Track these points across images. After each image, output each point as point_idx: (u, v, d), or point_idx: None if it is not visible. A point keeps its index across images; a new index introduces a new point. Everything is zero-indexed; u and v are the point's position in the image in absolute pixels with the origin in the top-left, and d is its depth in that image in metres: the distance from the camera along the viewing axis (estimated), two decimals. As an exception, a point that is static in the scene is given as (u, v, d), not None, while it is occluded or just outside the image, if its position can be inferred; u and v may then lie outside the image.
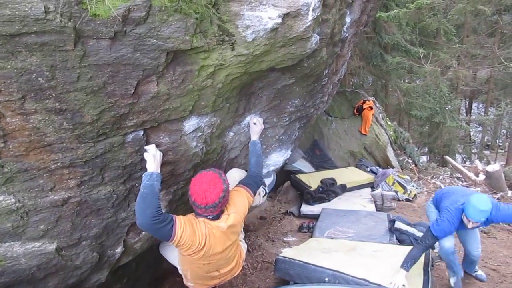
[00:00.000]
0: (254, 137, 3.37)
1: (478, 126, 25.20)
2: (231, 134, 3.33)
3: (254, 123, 3.35)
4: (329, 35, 3.05)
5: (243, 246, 3.42)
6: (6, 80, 1.91)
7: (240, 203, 2.93)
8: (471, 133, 23.27)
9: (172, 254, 3.28)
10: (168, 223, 2.56)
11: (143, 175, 2.59)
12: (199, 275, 3.03)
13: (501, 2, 13.15)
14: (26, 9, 1.77)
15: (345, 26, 3.41)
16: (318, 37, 2.81)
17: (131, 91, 2.25)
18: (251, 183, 3.11)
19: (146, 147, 2.59)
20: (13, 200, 2.32)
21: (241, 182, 3.10)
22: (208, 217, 2.74)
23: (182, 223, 2.63)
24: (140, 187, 2.56)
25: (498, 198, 8.72)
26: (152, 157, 2.58)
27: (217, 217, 2.77)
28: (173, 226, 2.57)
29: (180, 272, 3.22)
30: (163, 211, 2.61)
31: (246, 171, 3.39)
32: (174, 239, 2.59)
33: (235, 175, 3.36)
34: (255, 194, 3.15)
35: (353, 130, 10.45)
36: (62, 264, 2.75)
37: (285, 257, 4.71)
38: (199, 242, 2.68)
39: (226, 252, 2.95)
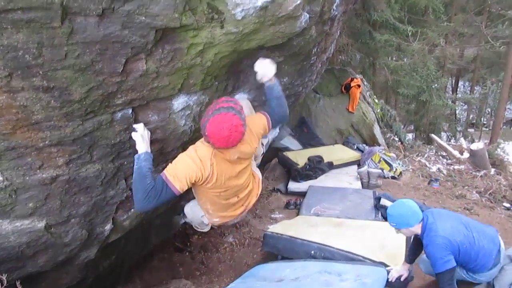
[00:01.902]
0: (268, 78, 2.95)
1: (463, 104, 25.44)
2: (220, 112, 3.33)
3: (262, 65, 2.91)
4: (319, 14, 3.03)
5: (258, 172, 3.38)
6: (-9, 57, 1.88)
7: (255, 128, 2.86)
8: (457, 111, 23.49)
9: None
10: (162, 189, 2.50)
11: (135, 157, 2.57)
12: (220, 204, 3.00)
13: (489, -20, 13.16)
14: (12, -15, 1.74)
15: (335, 5, 3.38)
16: (307, 15, 2.80)
17: (120, 69, 2.23)
18: (273, 117, 2.96)
19: (134, 126, 2.58)
20: (1, 178, 2.32)
21: (266, 111, 2.98)
22: None
23: (175, 171, 2.55)
24: None
25: (481, 176, 8.89)
26: (140, 137, 2.57)
27: None
28: (167, 184, 2.51)
29: (202, 212, 3.21)
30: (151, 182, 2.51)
31: None
32: (179, 190, 2.55)
33: (245, 104, 3.19)
34: (273, 129, 3.13)
35: (341, 108, 10.50)
36: (51, 242, 2.77)
37: (272, 232, 4.80)
38: (205, 171, 2.62)
39: (240, 176, 2.92)
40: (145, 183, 2.46)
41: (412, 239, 3.88)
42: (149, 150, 2.61)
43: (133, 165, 2.55)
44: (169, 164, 2.60)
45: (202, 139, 2.69)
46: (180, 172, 2.55)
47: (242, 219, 3.45)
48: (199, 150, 2.64)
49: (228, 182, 2.81)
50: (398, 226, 3.48)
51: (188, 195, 3.64)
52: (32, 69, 2.00)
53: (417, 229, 3.48)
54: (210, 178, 2.66)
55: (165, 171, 2.55)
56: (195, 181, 2.63)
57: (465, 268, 3.62)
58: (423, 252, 3.66)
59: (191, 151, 2.65)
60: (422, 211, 3.54)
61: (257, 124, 2.88)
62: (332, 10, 3.37)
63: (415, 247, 3.81)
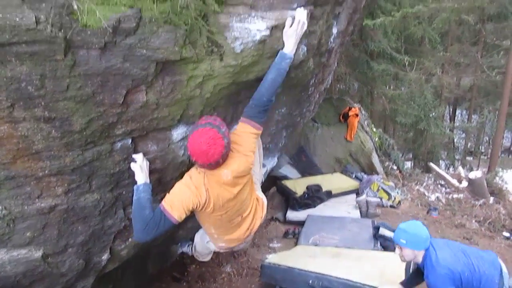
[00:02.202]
0: (289, 44, 2.61)
1: (461, 132, 25.54)
2: (218, 142, 3.36)
3: (293, 19, 2.53)
4: (316, 46, 3.10)
5: (262, 196, 3.35)
6: (-5, 88, 1.92)
7: (245, 142, 2.77)
8: (455, 140, 23.57)
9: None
10: (160, 219, 2.52)
11: (134, 188, 2.60)
12: (224, 227, 2.99)
13: (484, 12, 13.42)
14: (17, 19, 1.78)
15: (332, 37, 3.46)
16: (305, 48, 2.87)
17: (120, 100, 2.27)
18: (255, 114, 2.76)
19: (133, 156, 2.61)
20: (-1, 207, 2.33)
21: (244, 115, 2.80)
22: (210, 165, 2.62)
23: (172, 200, 2.57)
24: None
25: (480, 205, 8.88)
26: (139, 168, 2.60)
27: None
28: (165, 214, 2.53)
29: (207, 238, 3.20)
30: (150, 213, 2.54)
31: None
32: (177, 218, 2.56)
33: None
34: (262, 123, 2.83)
35: (339, 137, 10.55)
36: (48, 271, 2.75)
37: (270, 263, 4.77)
38: (202, 197, 2.62)
39: (239, 196, 2.87)
40: (144, 214, 2.49)
41: (411, 268, 3.86)
42: (148, 181, 2.63)
43: (132, 195, 2.56)
44: (167, 194, 2.62)
45: (195, 166, 2.72)
46: (177, 201, 2.57)
47: (247, 244, 3.43)
48: (193, 177, 2.66)
49: (227, 204, 2.80)
50: (408, 244, 3.42)
51: (186, 224, 3.65)
52: (34, 100, 2.04)
53: (419, 255, 3.45)
54: (207, 203, 2.67)
55: (163, 201, 2.58)
56: (193, 208, 2.64)
57: None
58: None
59: (186, 179, 2.67)
60: None
61: (243, 136, 2.78)
62: (329, 43, 3.45)
63: (415, 275, 3.80)
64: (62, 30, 1.89)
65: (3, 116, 2.03)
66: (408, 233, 3.42)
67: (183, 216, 2.60)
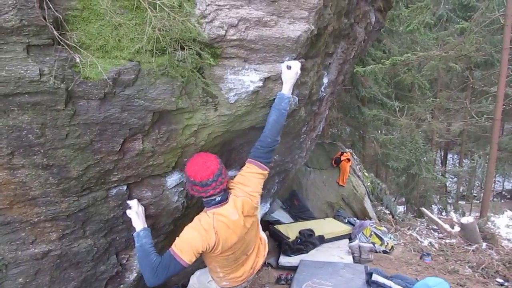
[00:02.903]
0: (285, 87, 2.70)
1: (453, 177, 25.72)
2: (212, 188, 3.41)
3: (288, 67, 2.62)
4: (307, 96, 3.21)
5: (263, 234, 3.39)
6: (-4, 137, 1.99)
7: (251, 182, 2.81)
8: (447, 184, 23.69)
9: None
10: (170, 263, 2.53)
11: (134, 235, 2.63)
12: (230, 266, 2.99)
13: (471, 59, 13.84)
14: (22, 71, 1.88)
15: (323, 87, 3.59)
16: (296, 98, 2.97)
17: (117, 148, 2.34)
18: (261, 155, 2.82)
19: (128, 202, 2.65)
20: (-7, 253, 2.34)
21: (250, 156, 2.86)
22: (214, 200, 2.69)
23: (181, 244, 2.58)
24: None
25: (473, 250, 8.86)
26: (135, 214, 2.64)
27: (225, 199, 2.72)
28: (175, 258, 2.54)
29: (209, 278, 3.20)
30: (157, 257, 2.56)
31: None
32: (188, 262, 2.57)
33: None
34: (268, 163, 2.88)
35: (331, 181, 10.59)
36: (38, 319, 2.73)
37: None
38: (211, 240, 2.63)
39: (247, 237, 2.91)
40: (151, 260, 2.51)
41: None
42: (146, 226, 2.67)
43: (125, 240, 2.59)
44: (176, 238, 2.64)
45: (204, 209, 2.78)
46: (186, 245, 2.59)
47: (249, 283, 3.43)
48: (202, 220, 2.68)
49: (235, 246, 2.83)
50: None
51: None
52: (33, 147, 2.11)
53: None
54: (216, 246, 2.69)
55: (173, 245, 2.59)
56: (202, 251, 2.65)
57: None
58: None
59: (196, 222, 2.69)
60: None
61: (249, 177, 2.82)
62: (320, 92, 3.57)
63: None
64: (64, 82, 1.99)
65: (3, 163, 2.09)
66: None
67: (193, 260, 2.61)
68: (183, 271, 2.69)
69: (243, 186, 2.80)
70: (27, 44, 1.86)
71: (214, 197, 2.69)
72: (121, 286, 3.16)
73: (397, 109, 14.09)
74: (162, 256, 2.57)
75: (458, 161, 26.03)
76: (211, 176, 2.60)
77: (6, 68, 1.85)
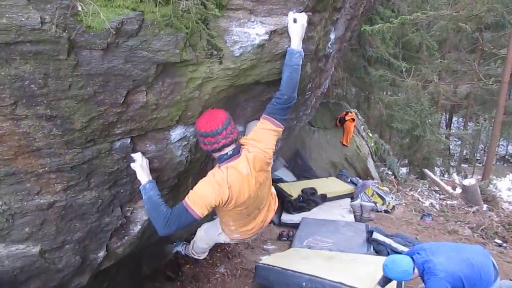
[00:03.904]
0: (294, 41, 2.62)
1: (457, 140, 25.69)
2: (216, 143, 3.41)
3: (294, 20, 2.53)
4: (314, 51, 3.15)
5: (272, 189, 3.41)
6: (-1, 86, 1.97)
7: (264, 138, 2.81)
8: (451, 147, 23.70)
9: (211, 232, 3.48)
10: (182, 213, 2.60)
11: (140, 188, 2.67)
12: (243, 220, 3.09)
13: (481, 20, 13.52)
14: (23, 19, 1.83)
15: (330, 43, 3.52)
16: (303, 53, 2.92)
17: (121, 101, 2.32)
18: (276, 111, 2.80)
19: (132, 155, 2.65)
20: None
21: (265, 112, 2.83)
22: (227, 155, 2.72)
23: (195, 197, 2.64)
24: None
25: (473, 212, 8.96)
26: (140, 167, 2.65)
27: (237, 153, 2.74)
28: (188, 210, 2.60)
29: (222, 229, 3.32)
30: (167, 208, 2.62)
31: None
32: (200, 215, 2.62)
33: (254, 126, 3.02)
34: (284, 120, 2.86)
35: (335, 141, 10.62)
36: (44, 267, 2.79)
37: (264, 264, 4.81)
38: (224, 195, 2.68)
39: (260, 192, 2.95)
40: (161, 211, 2.57)
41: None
42: (150, 178, 2.70)
43: (129, 193, 2.61)
44: (190, 191, 2.70)
45: (217, 165, 2.81)
46: (200, 198, 2.64)
47: (258, 235, 3.56)
48: (216, 175, 2.72)
49: (248, 200, 2.86)
50: (406, 278, 3.63)
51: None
52: (36, 98, 2.08)
53: (416, 271, 3.61)
54: (229, 200, 2.73)
55: (186, 197, 2.65)
56: (215, 205, 2.70)
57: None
58: None
59: (210, 177, 2.73)
60: (414, 247, 3.68)
61: (262, 133, 2.82)
62: (327, 48, 3.50)
63: None
64: (66, 31, 1.94)
65: (6, 114, 2.08)
66: (397, 274, 3.62)
67: (205, 213, 2.66)
68: (194, 223, 2.75)
69: (256, 142, 2.80)
70: (28, -9, 1.81)
71: (226, 151, 2.72)
72: (126, 238, 3.21)
73: (404, 70, 13.90)
74: (173, 207, 2.63)
75: (463, 124, 25.94)
76: (220, 124, 2.64)
77: (7, 15, 1.80)
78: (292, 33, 2.59)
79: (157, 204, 2.60)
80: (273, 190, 3.43)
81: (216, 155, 2.77)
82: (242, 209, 2.93)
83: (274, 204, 3.39)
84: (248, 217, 3.08)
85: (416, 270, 3.58)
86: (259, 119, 2.94)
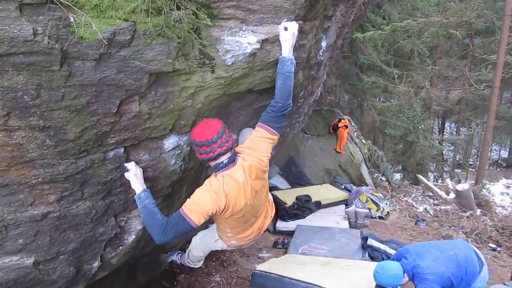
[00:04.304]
0: (285, 49, 2.64)
1: (450, 145, 25.83)
2: (209, 152, 3.42)
3: (285, 28, 2.55)
4: (305, 59, 3.18)
5: (270, 196, 3.43)
6: (-9, 97, 1.97)
7: (260, 147, 2.83)
8: (444, 152, 23.80)
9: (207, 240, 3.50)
10: (178, 222, 2.62)
11: (135, 198, 2.69)
12: (240, 227, 3.11)
13: (471, 26, 13.68)
14: (15, 31, 1.84)
15: (321, 51, 3.55)
16: (294, 60, 2.94)
17: (114, 110, 2.33)
18: (271, 119, 2.81)
19: (126, 165, 2.66)
20: (-8, 214, 2.36)
21: (260, 120, 2.84)
22: (222, 163, 2.74)
23: (192, 205, 2.66)
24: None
25: (467, 216, 8.99)
26: (134, 176, 2.67)
27: (233, 161, 2.76)
28: (185, 218, 2.62)
29: (219, 236, 3.35)
30: (163, 217, 2.65)
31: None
32: (197, 223, 2.64)
33: (247, 134, 3.09)
34: (279, 128, 2.88)
35: (329, 148, 10.65)
36: (39, 278, 2.78)
37: (261, 271, 4.80)
38: (221, 203, 2.70)
39: (256, 200, 2.96)
40: (157, 219, 2.60)
41: None
42: (145, 187, 2.71)
43: (123, 203, 2.61)
44: (187, 199, 2.72)
45: (213, 174, 2.83)
46: (197, 206, 2.66)
47: (254, 242, 3.59)
48: (213, 183, 2.74)
49: (245, 208, 2.89)
50: (397, 282, 3.62)
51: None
52: (29, 109, 2.09)
53: (405, 278, 3.65)
54: (226, 208, 2.75)
55: (183, 206, 2.67)
56: (212, 213, 2.73)
57: (466, 284, 3.72)
58: None
59: (207, 185, 2.76)
60: (398, 250, 3.75)
61: (257, 141, 2.84)
62: (318, 56, 3.53)
63: None
64: (59, 42, 1.95)
65: (-1, 125, 2.08)
66: (387, 280, 3.61)
67: (202, 221, 2.69)
68: (190, 231, 2.78)
69: (251, 150, 2.83)
70: (20, 3, 1.82)
71: (221, 160, 2.74)
72: (120, 247, 3.20)
73: (396, 77, 14.03)
74: (169, 215, 2.65)
75: (455, 129, 26.10)
76: (215, 133, 2.66)
77: (-1, 27, 1.82)
78: (283, 41, 2.61)
79: (153, 213, 2.61)
80: (270, 197, 3.45)
81: (212, 163, 2.79)
82: (239, 217, 2.95)
83: (271, 211, 3.42)
84: (245, 224, 3.10)
85: (406, 275, 3.61)
86: (252, 127, 2.96)
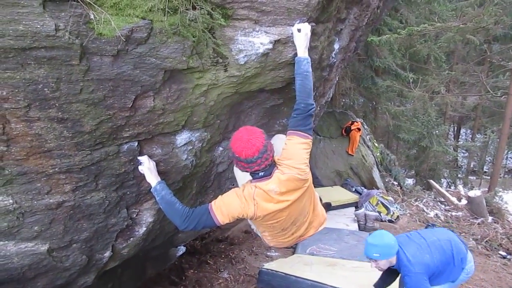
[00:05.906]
0: (300, 50, 2.69)
1: (465, 151, 25.59)
2: (220, 149, 3.49)
3: (298, 30, 2.61)
4: (317, 61, 3.23)
5: (321, 209, 3.31)
6: (14, 89, 2.06)
7: (294, 154, 2.71)
8: (458, 158, 23.61)
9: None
10: (203, 214, 2.65)
11: (152, 191, 2.76)
12: (277, 232, 3.02)
13: (489, 32, 13.56)
14: (38, 26, 1.93)
15: (333, 53, 3.60)
16: (310, 60, 2.99)
17: (129, 105, 2.41)
18: (299, 123, 2.75)
19: (139, 158, 2.74)
20: (11, 201, 2.45)
21: (289, 127, 2.78)
22: (258, 174, 2.66)
23: (221, 204, 2.66)
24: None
25: (478, 223, 8.95)
26: (148, 170, 2.74)
27: (269, 174, 2.66)
28: (210, 213, 2.64)
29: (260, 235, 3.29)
30: (182, 206, 2.68)
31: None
32: (220, 222, 2.67)
33: (278, 141, 3.00)
34: (309, 130, 2.78)
35: (341, 150, 10.67)
36: (52, 265, 2.87)
37: (267, 269, 4.87)
38: (249, 210, 2.67)
39: (294, 210, 2.84)
40: (177, 208, 2.65)
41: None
42: (159, 179, 2.78)
43: (136, 195, 2.69)
44: (219, 196, 2.74)
45: (250, 179, 2.76)
46: (225, 207, 2.67)
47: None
48: (246, 189, 2.71)
49: (278, 215, 2.79)
50: (381, 256, 3.52)
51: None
52: (49, 101, 2.18)
53: (394, 259, 3.58)
54: (255, 215, 2.72)
55: (213, 201, 2.69)
56: (238, 217, 2.71)
57: (456, 266, 3.70)
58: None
59: (240, 189, 2.74)
60: None
61: (292, 149, 2.73)
62: (330, 58, 3.58)
63: (387, 275, 3.97)
64: (79, 38, 2.04)
65: (20, 115, 2.17)
66: (379, 246, 3.52)
67: (226, 221, 2.71)
68: (214, 226, 2.83)
69: (287, 160, 2.71)
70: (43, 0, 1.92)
71: (258, 172, 2.67)
72: (131, 239, 3.29)
73: (411, 81, 13.97)
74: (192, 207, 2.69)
75: (471, 136, 25.84)
76: (256, 153, 2.55)
77: (23, 22, 1.91)
78: (297, 43, 2.66)
79: (172, 203, 2.67)
80: (320, 208, 3.31)
81: (248, 171, 2.73)
82: (274, 223, 2.88)
83: (317, 221, 3.22)
84: (283, 231, 3.01)
85: (394, 259, 3.56)
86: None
